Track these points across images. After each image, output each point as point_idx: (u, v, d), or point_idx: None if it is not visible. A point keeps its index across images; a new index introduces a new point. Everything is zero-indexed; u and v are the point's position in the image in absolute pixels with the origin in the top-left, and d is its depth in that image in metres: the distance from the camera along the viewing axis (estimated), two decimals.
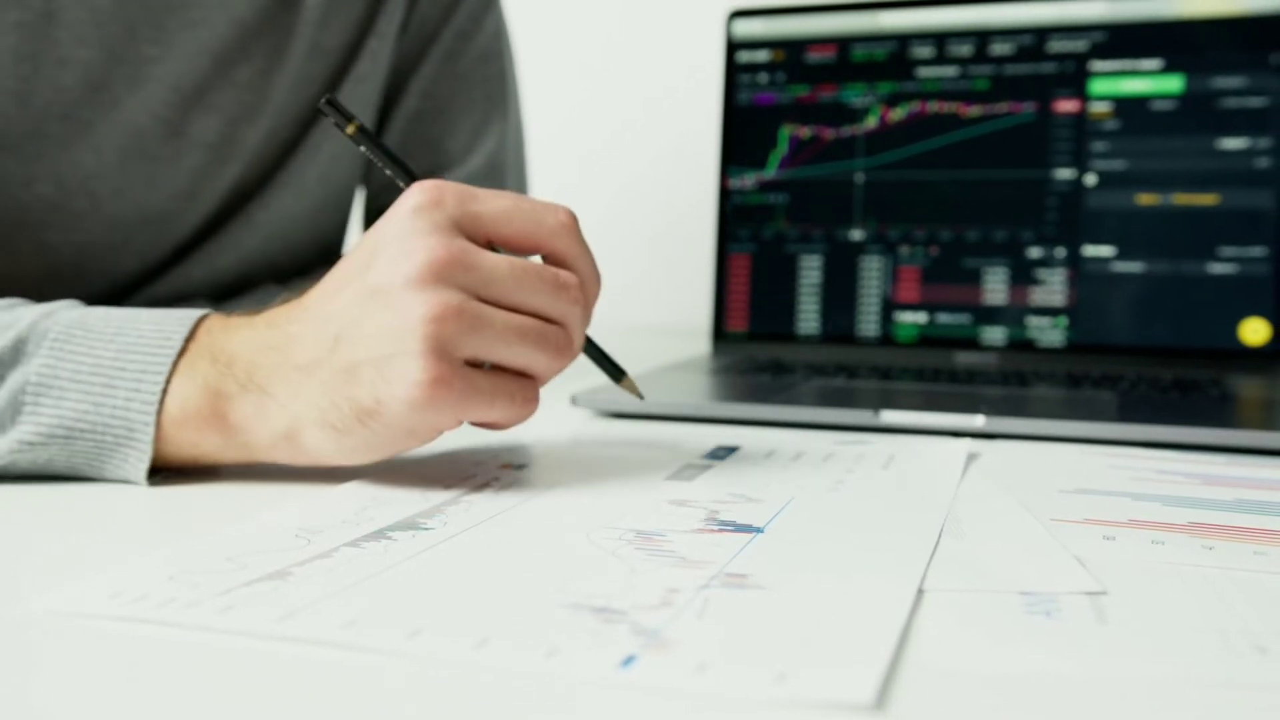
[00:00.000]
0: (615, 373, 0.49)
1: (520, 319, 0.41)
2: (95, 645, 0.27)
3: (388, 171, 0.47)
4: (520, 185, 0.82)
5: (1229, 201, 0.81)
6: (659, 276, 1.29)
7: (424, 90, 0.75)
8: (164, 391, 0.42)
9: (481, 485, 0.43)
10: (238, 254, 0.69)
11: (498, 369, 0.42)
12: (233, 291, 0.70)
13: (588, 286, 0.45)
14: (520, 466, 0.47)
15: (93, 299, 0.64)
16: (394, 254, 0.40)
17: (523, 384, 0.43)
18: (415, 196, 0.41)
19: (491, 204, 0.42)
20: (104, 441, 0.42)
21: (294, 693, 0.24)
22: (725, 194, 0.93)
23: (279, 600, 0.29)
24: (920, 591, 0.31)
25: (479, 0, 0.77)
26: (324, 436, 0.41)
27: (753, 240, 0.92)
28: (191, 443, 0.42)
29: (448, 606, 0.29)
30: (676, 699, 0.24)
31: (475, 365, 0.41)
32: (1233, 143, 0.81)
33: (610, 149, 1.32)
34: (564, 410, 0.62)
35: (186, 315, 0.44)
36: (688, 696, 0.24)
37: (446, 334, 0.39)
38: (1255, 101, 0.81)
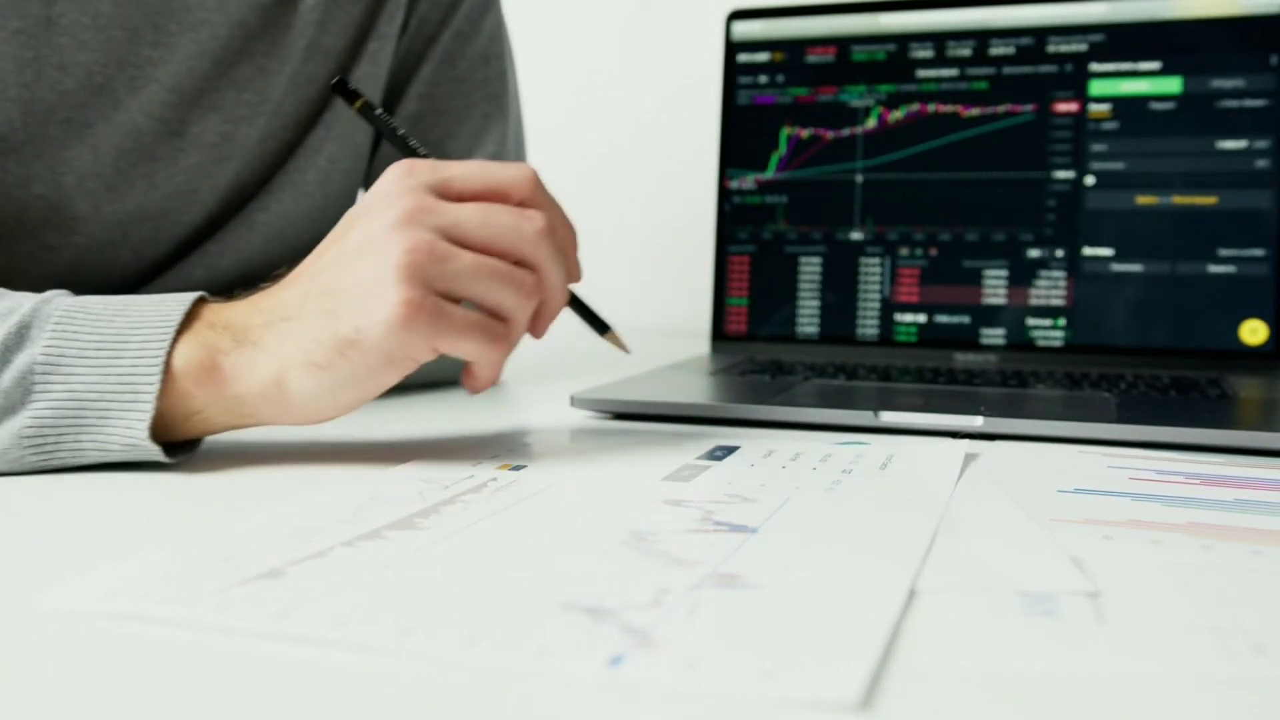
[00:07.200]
0: (599, 326, 0.51)
1: (488, 259, 0.45)
2: (91, 643, 0.27)
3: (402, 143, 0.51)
4: None
5: (1228, 202, 0.81)
6: (659, 277, 1.29)
7: (423, 93, 0.75)
8: (169, 355, 0.44)
9: (479, 486, 0.43)
10: (237, 255, 0.69)
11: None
12: (232, 293, 0.70)
13: (556, 228, 0.48)
14: (519, 467, 0.47)
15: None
16: (372, 213, 0.45)
17: (495, 323, 0.46)
18: (391, 171, 0.47)
19: (457, 169, 0.47)
20: (110, 408, 0.43)
21: (287, 691, 0.24)
22: (725, 195, 0.93)
23: (273, 599, 0.29)
24: (916, 591, 0.31)
25: (477, 1, 0.77)
26: (308, 377, 0.44)
27: (752, 241, 0.92)
28: (186, 394, 0.44)
29: (440, 606, 0.29)
30: (664, 698, 0.24)
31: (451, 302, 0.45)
32: (1231, 143, 0.81)
33: (610, 151, 1.32)
34: (563, 410, 0.62)
35: (184, 295, 0.46)
36: (675, 695, 0.24)
37: (420, 264, 0.43)
38: (1254, 102, 0.81)
